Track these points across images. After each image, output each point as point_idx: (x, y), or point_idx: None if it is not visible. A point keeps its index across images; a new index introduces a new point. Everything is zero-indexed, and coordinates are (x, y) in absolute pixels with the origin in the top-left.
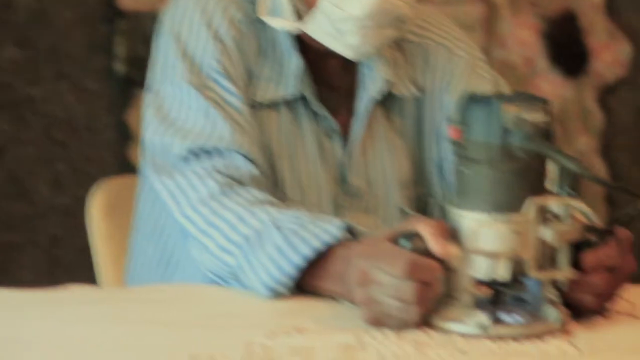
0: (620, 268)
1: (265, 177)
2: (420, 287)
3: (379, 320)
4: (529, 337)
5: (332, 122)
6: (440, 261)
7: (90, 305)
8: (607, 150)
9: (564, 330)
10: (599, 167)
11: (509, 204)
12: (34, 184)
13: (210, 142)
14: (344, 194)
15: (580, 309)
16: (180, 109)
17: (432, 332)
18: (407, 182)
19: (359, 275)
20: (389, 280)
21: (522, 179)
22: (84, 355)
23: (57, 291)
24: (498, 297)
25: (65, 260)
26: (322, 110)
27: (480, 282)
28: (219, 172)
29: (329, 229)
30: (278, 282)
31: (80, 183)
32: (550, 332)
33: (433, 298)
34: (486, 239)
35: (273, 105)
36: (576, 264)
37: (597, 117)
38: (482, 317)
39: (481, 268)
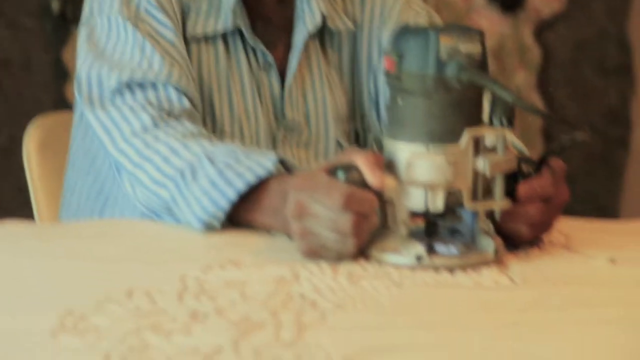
0: (554, 198)
1: (198, 111)
2: (356, 218)
3: (315, 252)
4: (463, 267)
5: (268, 56)
6: (377, 193)
7: (26, 240)
8: (544, 85)
9: (498, 261)
10: (537, 102)
11: (444, 135)
12: None
13: (144, 76)
14: (281, 128)
15: (515, 239)
16: (115, 43)
17: (366, 265)
18: (344, 116)
19: (295, 208)
20: (326, 213)
21: (457, 110)
22: (18, 289)
23: None
24: (433, 228)
25: (1, 200)
26: (257, 44)
27: (416, 214)
28: (152, 105)
29: (263, 162)
30: (212, 216)
31: (16, 122)
32: (485, 263)
33: (369, 230)
34: (421, 170)
35: (209, 39)
36: (511, 194)
37: (535, 52)
38: (418, 248)
39: (417, 199)
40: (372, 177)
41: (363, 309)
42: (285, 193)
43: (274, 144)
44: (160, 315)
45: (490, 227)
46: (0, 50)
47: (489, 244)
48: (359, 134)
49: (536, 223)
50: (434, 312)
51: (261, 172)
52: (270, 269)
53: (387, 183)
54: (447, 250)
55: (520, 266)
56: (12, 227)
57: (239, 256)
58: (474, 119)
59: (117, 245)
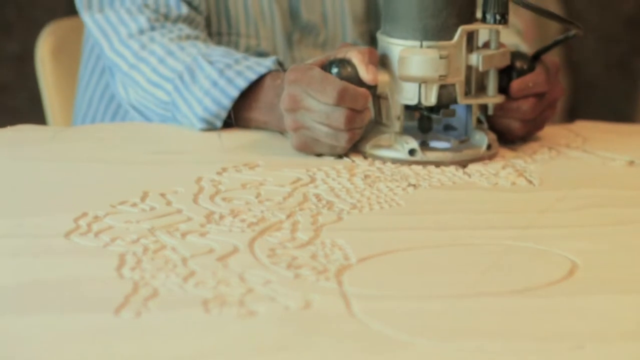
0: (548, 94)
1: (199, 14)
2: (349, 113)
3: (307, 146)
4: (456, 162)
5: None
6: (370, 88)
7: (41, 144)
8: None
9: (491, 156)
10: (557, 9)
11: (437, 31)
12: None
13: None
14: (298, 29)
15: (507, 135)
16: None
17: (383, 166)
18: (361, 16)
19: (289, 101)
20: (319, 107)
21: (450, 6)
22: (33, 192)
23: (7, 130)
24: (427, 124)
25: (13, 109)
26: None
27: (409, 108)
28: (149, 8)
29: (262, 62)
30: (213, 115)
31: (29, 29)
32: (478, 158)
33: (362, 125)
34: (415, 65)
35: None
36: (504, 90)
37: None
38: (411, 142)
39: (410, 94)
40: (365, 72)
41: (379, 209)
42: (279, 88)
43: (289, 44)
44: (176, 216)
45: (483, 121)
46: None
47: (482, 138)
48: (374, 36)
49: (529, 119)
50: (450, 212)
51: (261, 70)
52: (286, 170)
53: (381, 78)
54: (440, 144)
55: (538, 168)
56: (28, 131)
57: (254, 158)
58: (468, 17)
59: (131, 147)
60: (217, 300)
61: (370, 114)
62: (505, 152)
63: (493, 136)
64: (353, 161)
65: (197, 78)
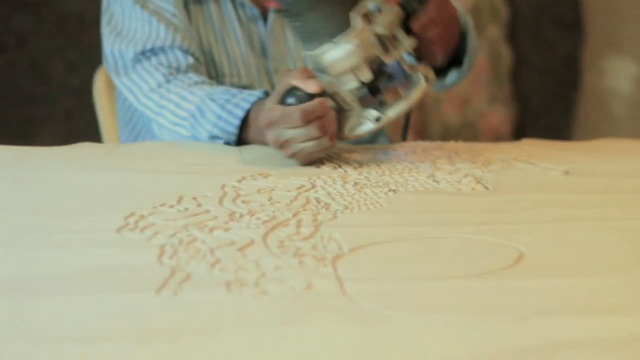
0: (443, 15)
1: (201, 64)
2: (319, 122)
3: (307, 160)
4: (411, 105)
5: (254, 10)
6: (322, 94)
7: (98, 159)
8: (512, 37)
9: (429, 86)
10: (505, 53)
11: (341, 29)
12: (51, 68)
13: (154, 44)
14: (271, 62)
15: (435, 60)
16: (129, 23)
17: (369, 175)
18: None
19: (275, 142)
20: (296, 132)
21: (339, 8)
22: (87, 197)
23: (72, 147)
24: (374, 88)
25: (77, 131)
26: (244, 0)
27: (359, 90)
28: (163, 65)
29: (253, 93)
30: (225, 140)
31: (90, 66)
32: (423, 93)
33: (333, 122)
34: (342, 61)
35: (203, 2)
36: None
37: (503, 10)
38: (373, 113)
39: (350, 82)
40: (309, 86)
41: (366, 210)
42: (258, 121)
43: (268, 76)
44: (205, 215)
45: (413, 63)
46: (75, 6)
47: (419, 76)
48: None
49: (443, 41)
50: (422, 212)
51: (252, 99)
52: (292, 179)
53: (323, 83)
54: (395, 103)
55: (493, 176)
56: (88, 148)
57: (267, 169)
58: (355, 2)
59: (168, 161)
60: (237, 283)
61: (333, 111)
62: (466, 164)
63: (426, 68)
64: (345, 171)
65: (206, 114)
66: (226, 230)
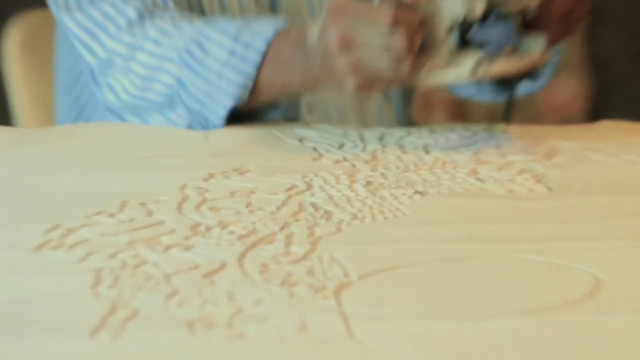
0: None
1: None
2: (408, 33)
3: (367, 86)
4: (523, 65)
5: None
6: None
7: (6, 148)
8: None
9: (542, 59)
10: None
11: None
12: None
13: None
14: (281, 14)
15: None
16: None
17: (387, 172)
18: None
19: (340, 40)
20: (375, 36)
21: None
22: (6, 198)
23: None
24: (474, 40)
25: None
26: None
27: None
28: None
29: (270, 19)
30: (240, 87)
31: None
32: (539, 61)
33: (417, 42)
34: None
35: None
36: None
37: None
38: (472, 56)
39: (455, 7)
40: None
41: (382, 220)
42: (293, 44)
43: None
44: (157, 228)
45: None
46: None
47: (537, 41)
48: None
49: (565, 13)
50: (460, 223)
51: (278, 24)
52: (280, 176)
53: None
54: (498, 60)
55: (558, 173)
56: None
57: (244, 163)
58: None
59: (108, 151)
60: (203, 322)
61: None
62: (521, 155)
63: (544, 36)
64: (354, 166)
65: (209, 49)
66: (187, 249)
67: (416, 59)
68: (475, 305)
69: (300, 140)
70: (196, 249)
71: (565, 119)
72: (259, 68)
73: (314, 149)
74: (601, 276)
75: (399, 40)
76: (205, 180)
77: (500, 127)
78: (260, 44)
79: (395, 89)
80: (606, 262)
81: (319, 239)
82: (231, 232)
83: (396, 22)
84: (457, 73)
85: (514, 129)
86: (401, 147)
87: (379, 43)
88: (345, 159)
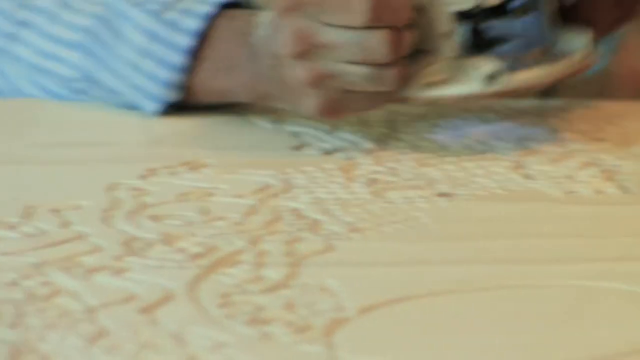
0: None
1: None
2: (393, 35)
3: (336, 106)
4: (558, 74)
5: None
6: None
7: None
8: None
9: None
10: None
11: None
12: None
13: None
14: None
15: (595, 28)
16: None
17: (398, 166)
18: None
19: (295, 41)
20: (345, 36)
21: None
22: None
23: None
24: (480, 39)
25: None
26: None
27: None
28: None
29: None
30: (164, 85)
31: None
32: (585, 66)
33: (407, 46)
34: None
35: None
36: None
37: None
38: (488, 64)
39: None
40: None
41: (391, 232)
42: (241, 34)
43: None
44: (76, 244)
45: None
46: None
47: (578, 38)
48: None
49: None
50: (501, 237)
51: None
52: (247, 173)
53: None
54: (526, 66)
55: (637, 167)
56: None
57: (198, 154)
58: None
59: (11, 139)
60: None
61: (414, 31)
62: (586, 141)
63: (590, 32)
64: (351, 158)
65: (122, 32)
66: (118, 273)
67: (406, 65)
68: (518, 351)
69: (276, 122)
70: (131, 273)
71: None
72: (192, 63)
73: (295, 134)
74: None
75: (380, 40)
76: (144, 178)
77: (556, 102)
78: (192, 24)
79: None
80: None
81: (302, 260)
82: (180, 250)
83: (376, 14)
84: (465, 87)
85: (575, 105)
86: (418, 132)
87: (351, 44)
88: (339, 149)
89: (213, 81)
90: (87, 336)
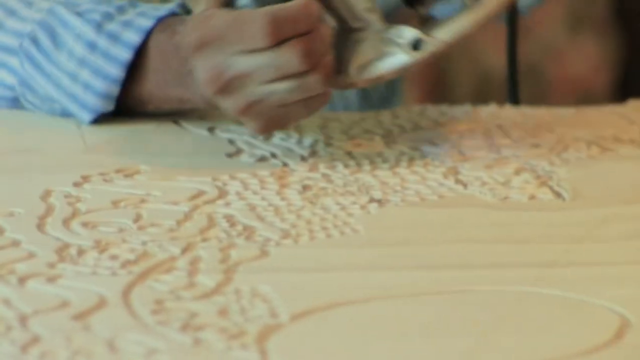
0: None
1: None
2: (301, 45)
3: (276, 122)
4: (482, 17)
5: None
6: None
7: None
8: None
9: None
10: None
11: None
12: None
13: None
14: None
15: None
16: None
17: (332, 172)
18: None
19: (212, 78)
20: (257, 60)
21: None
22: None
23: None
24: None
25: None
26: None
27: None
28: None
29: (159, 6)
30: (99, 95)
31: None
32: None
33: (326, 47)
34: None
35: None
36: None
37: None
38: (407, 32)
39: None
40: None
41: (324, 239)
42: (177, 49)
43: None
44: (9, 251)
45: None
46: None
47: None
48: None
49: None
50: (435, 243)
51: (157, 14)
52: (181, 180)
53: None
54: (449, 19)
55: (571, 174)
56: None
57: (131, 161)
58: None
59: None
60: None
61: (327, 27)
62: (520, 147)
63: None
64: (285, 164)
65: (62, 40)
66: (52, 280)
67: (326, 63)
68: (456, 357)
69: (211, 130)
70: (64, 280)
71: (582, 96)
72: (135, 75)
73: (230, 141)
74: (628, 314)
75: (290, 53)
76: (78, 185)
77: (491, 108)
78: (132, 37)
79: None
80: (635, 295)
81: (235, 266)
82: (113, 257)
83: (275, 32)
84: (397, 58)
85: (508, 112)
86: (351, 139)
87: (265, 66)
88: (273, 155)
89: (167, 90)
90: (20, 343)
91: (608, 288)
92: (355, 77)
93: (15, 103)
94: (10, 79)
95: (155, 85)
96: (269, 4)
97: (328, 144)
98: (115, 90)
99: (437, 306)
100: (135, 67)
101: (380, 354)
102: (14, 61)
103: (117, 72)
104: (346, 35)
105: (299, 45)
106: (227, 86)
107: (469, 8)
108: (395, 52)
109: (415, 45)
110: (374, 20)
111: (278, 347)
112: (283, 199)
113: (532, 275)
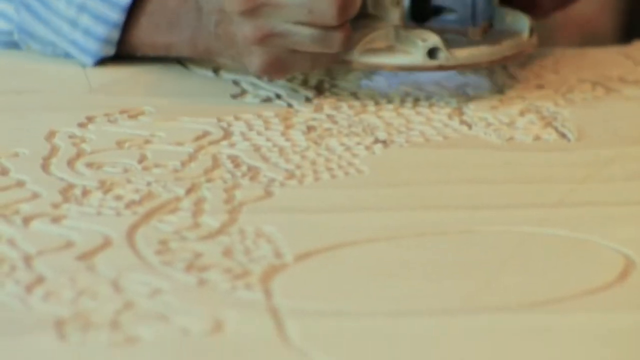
0: None
1: None
2: None
3: (280, 63)
4: (498, 59)
5: None
6: None
7: None
8: None
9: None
10: None
11: None
12: None
13: None
14: None
15: (533, 11)
16: None
17: (336, 112)
18: None
19: (245, 9)
20: None
21: None
22: None
23: None
24: (423, 7)
25: None
26: None
27: None
28: None
29: None
30: (100, 39)
31: None
32: (526, 48)
33: (357, 10)
34: None
35: None
36: None
37: None
38: (431, 38)
39: None
40: None
41: (329, 179)
42: None
43: None
44: (14, 192)
45: None
46: None
47: (520, 19)
48: None
49: None
50: (439, 183)
51: None
52: (185, 120)
53: None
54: (469, 42)
55: (576, 114)
56: None
57: (136, 102)
58: None
59: None
60: (78, 321)
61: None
62: (525, 88)
63: (527, 16)
64: (290, 105)
65: None
66: (56, 220)
67: (349, 29)
68: (456, 297)
69: (216, 71)
70: (68, 220)
71: (587, 37)
72: (131, 19)
73: (235, 82)
74: (633, 255)
75: (328, 6)
76: (82, 125)
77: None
78: None
79: None
80: (639, 235)
81: (240, 207)
82: (118, 198)
83: None
84: (407, 58)
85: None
86: (356, 80)
87: (300, 5)
88: (277, 96)
89: (155, 36)
90: (24, 283)
91: (613, 228)
92: (354, 58)
93: (9, 47)
94: (5, 26)
95: (144, 30)
96: None
97: (333, 85)
98: (115, 34)
99: (442, 247)
100: (131, 11)
101: (384, 295)
102: (8, 8)
103: (117, 16)
104: (360, 17)
105: (339, 0)
106: (256, 9)
107: (490, 44)
108: (410, 52)
109: (432, 52)
110: (395, 14)
111: (282, 287)
112: (287, 139)
113: (537, 216)
